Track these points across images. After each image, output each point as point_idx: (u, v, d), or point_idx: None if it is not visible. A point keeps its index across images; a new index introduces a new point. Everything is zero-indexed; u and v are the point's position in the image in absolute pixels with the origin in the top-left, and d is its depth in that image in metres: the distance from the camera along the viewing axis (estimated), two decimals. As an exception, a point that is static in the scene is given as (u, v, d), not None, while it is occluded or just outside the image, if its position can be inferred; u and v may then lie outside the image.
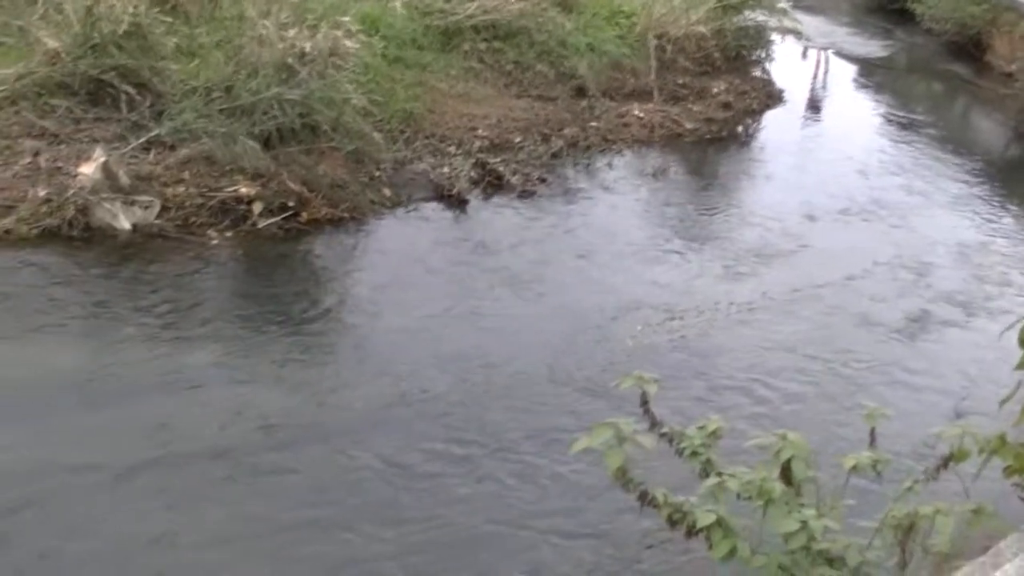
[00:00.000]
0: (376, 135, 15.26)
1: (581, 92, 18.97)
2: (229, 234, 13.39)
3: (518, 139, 17.11)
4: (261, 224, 13.57)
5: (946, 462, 4.83)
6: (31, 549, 8.22)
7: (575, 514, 9.24)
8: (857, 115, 22.75)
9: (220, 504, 8.97)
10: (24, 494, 8.70)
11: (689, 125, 19.40)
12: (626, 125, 18.68)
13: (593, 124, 18.33)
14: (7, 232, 12.58)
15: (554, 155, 17.09)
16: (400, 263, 13.59)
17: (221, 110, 14.01)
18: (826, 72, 25.37)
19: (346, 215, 14.15)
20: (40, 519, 8.50)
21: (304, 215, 13.87)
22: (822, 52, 26.07)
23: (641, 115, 19.03)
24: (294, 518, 8.89)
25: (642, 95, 19.68)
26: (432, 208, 15.02)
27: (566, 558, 8.75)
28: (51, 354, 10.79)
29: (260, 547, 8.55)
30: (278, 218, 13.68)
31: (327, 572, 8.41)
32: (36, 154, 13.51)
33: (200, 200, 13.50)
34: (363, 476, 9.50)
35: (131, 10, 14.03)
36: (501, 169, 15.93)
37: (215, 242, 13.20)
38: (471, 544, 8.78)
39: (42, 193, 12.93)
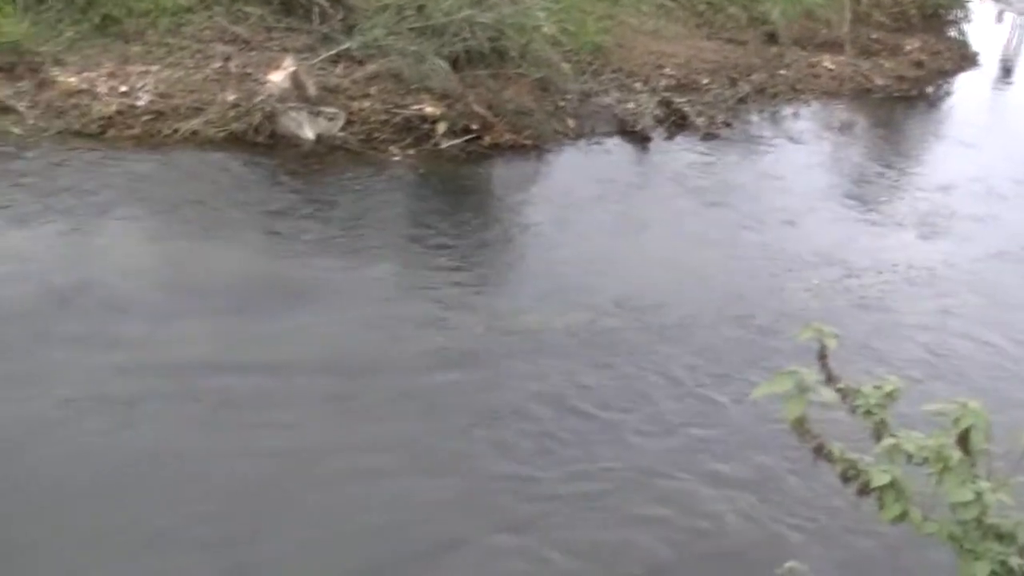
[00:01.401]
0: (564, 65, 15.02)
1: (772, 38, 18.46)
2: (411, 152, 13.31)
3: (705, 81, 16.70)
4: (443, 145, 13.44)
5: None
6: (229, 441, 8.19)
7: (732, 460, 8.81)
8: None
9: (394, 417, 8.82)
10: (216, 387, 8.68)
11: (879, 81, 18.72)
12: (815, 76, 18.10)
13: (782, 72, 17.80)
14: (194, 133, 12.70)
15: (740, 100, 16.63)
16: (579, 194, 13.32)
17: (412, 28, 13.91)
18: (1021, 38, 24.29)
19: (528, 142, 13.92)
20: (233, 414, 8.46)
21: (487, 139, 13.70)
22: (1019, 17, 24.94)
23: (831, 67, 18.42)
24: (462, 437, 8.69)
25: (833, 46, 19.05)
26: (614, 143, 14.72)
27: (723, 505, 8.32)
28: (233, 256, 10.84)
29: (428, 462, 8.36)
30: (460, 140, 13.54)
31: (483, 494, 8.16)
32: (227, 59, 13.58)
33: (384, 116, 13.43)
34: (526, 403, 9.21)
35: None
36: (686, 109, 15.54)
37: (396, 159, 13.12)
38: (624, 485, 8.37)
39: (231, 98, 12.98)
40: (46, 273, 9.90)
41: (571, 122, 14.56)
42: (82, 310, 9.41)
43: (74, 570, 6.82)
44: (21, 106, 12.76)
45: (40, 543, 6.89)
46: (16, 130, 12.51)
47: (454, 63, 13.78)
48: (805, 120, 16.95)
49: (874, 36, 19.73)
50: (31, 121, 12.61)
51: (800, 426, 4.37)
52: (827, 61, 18.51)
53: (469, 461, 8.32)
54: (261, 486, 7.72)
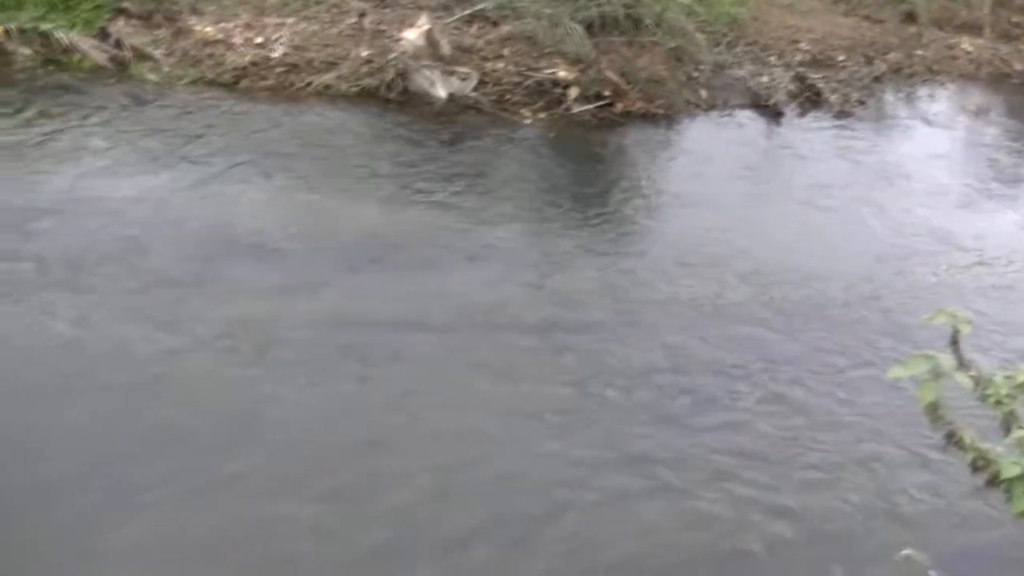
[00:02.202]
0: (699, 36, 14.80)
1: (910, 18, 17.97)
2: (542, 116, 13.20)
3: (840, 57, 16.33)
4: (575, 109, 13.32)
5: None
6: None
7: (865, 442, 8.55)
8: None
9: (524, 377, 8.72)
10: (342, 339, 8.67)
11: (1018, 66, 18.15)
12: (953, 58, 17.61)
13: (919, 52, 17.35)
14: (327, 87, 12.71)
15: (875, 78, 16.24)
16: (709, 166, 13.11)
17: (547, -8, 13.75)
18: None
19: (660, 111, 13.74)
20: (359, 367, 8.43)
21: (618, 106, 13.54)
22: None
23: (969, 49, 17.90)
24: (591, 398, 8.56)
25: (972, 29, 18.50)
26: (746, 116, 14.46)
27: (843, 487, 8.05)
28: (361, 211, 10.82)
29: (554, 422, 8.23)
30: (592, 106, 13.39)
31: (611, 458, 8.02)
32: (362, 15, 13.56)
33: (517, 78, 13.33)
34: (650, 371, 9.04)
35: None
36: (820, 86, 15.21)
37: (527, 121, 13.01)
38: (736, 458, 8.17)
39: (364, 53, 12.97)
40: (180, 219, 9.96)
41: (703, 93, 14.33)
42: (214, 257, 9.44)
43: (194, 506, 6.79)
44: (158, 54, 12.87)
45: (159, 483, 6.90)
46: (152, 77, 12.63)
47: (588, 28, 13.62)
48: (940, 102, 16.52)
49: (1015, 20, 19.11)
50: (167, 69, 12.72)
51: (933, 411, 4.31)
52: (965, 43, 17.99)
53: (605, 421, 8.19)
54: (383, 439, 7.69)
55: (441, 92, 12.80)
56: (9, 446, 7.04)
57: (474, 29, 13.57)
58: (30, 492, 6.65)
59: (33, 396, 7.54)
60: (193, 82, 12.67)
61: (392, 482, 7.27)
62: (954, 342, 4.49)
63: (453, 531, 6.94)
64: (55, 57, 12.71)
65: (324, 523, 6.85)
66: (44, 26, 12.60)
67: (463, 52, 13.22)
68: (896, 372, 4.32)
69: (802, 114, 14.91)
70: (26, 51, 12.68)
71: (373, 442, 7.65)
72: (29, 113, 11.65)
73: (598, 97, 13.48)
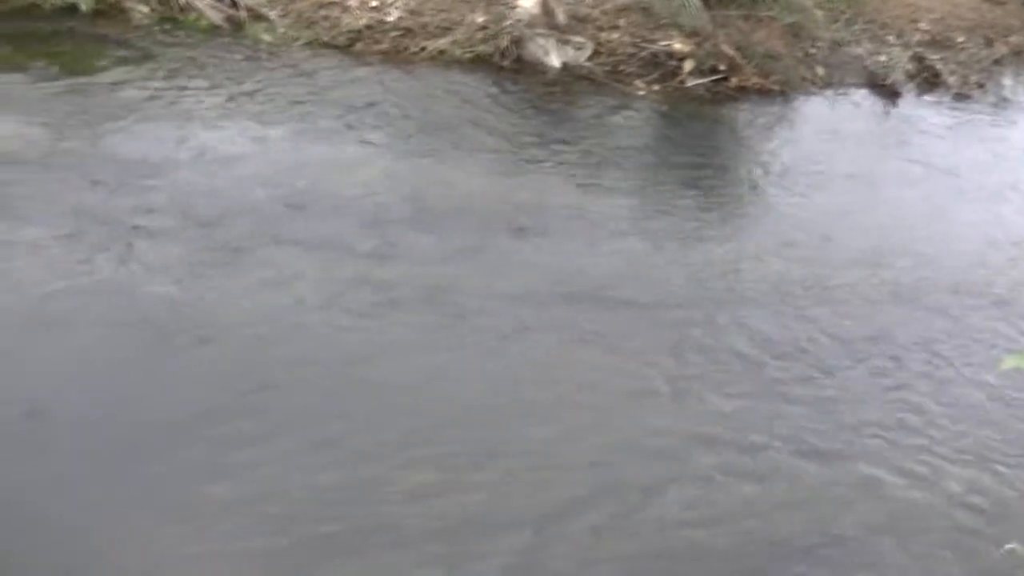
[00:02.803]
0: (817, 12, 14.53)
1: (1033, 0, 17.50)
2: (655, 88, 13.07)
3: (960, 39, 15.95)
4: (689, 83, 13.16)
5: None
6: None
7: (974, 434, 8.32)
8: None
9: (643, 349, 8.60)
10: (449, 306, 8.61)
11: None
12: (1076, 42, 17.12)
13: (1043, 35, 16.90)
14: (440, 52, 12.68)
15: (996, 61, 15.85)
16: (823, 145, 12.89)
17: (664, -38, 13.58)
18: None
19: (775, 88, 13.53)
20: (467, 335, 8.39)
21: (733, 81, 13.35)
22: None
23: (1093, 34, 17.40)
24: (705, 377, 8.41)
25: (1098, 13, 17.98)
26: (862, 95, 14.19)
27: (954, 478, 7.83)
28: (471, 178, 10.78)
29: (673, 395, 8.12)
30: (707, 80, 13.22)
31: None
32: (477, -19, 13.47)
33: (631, 49, 13.21)
34: (762, 351, 8.85)
35: None
36: (939, 67, 14.88)
37: (641, 93, 12.89)
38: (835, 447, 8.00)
39: (479, 19, 12.90)
40: (289, 178, 9.97)
41: (820, 70, 14.09)
42: (321, 217, 9.43)
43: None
44: (273, 15, 12.92)
45: (266, 438, 6.92)
46: (267, 38, 12.68)
47: (705, 1, 13.41)
48: (1063, 88, 16.08)
49: None
50: (282, 30, 12.75)
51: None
52: (1090, 27, 17.49)
53: (721, 395, 8.08)
54: (501, 407, 7.64)
55: (555, 61, 12.70)
56: (128, 396, 7.07)
57: (589, -1, 13.42)
58: (135, 442, 6.70)
59: (168, 346, 7.60)
60: (308, 44, 12.69)
61: (492, 451, 7.20)
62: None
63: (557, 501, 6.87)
64: (172, 15, 12.80)
65: (427, 489, 6.80)
66: (162, -16, 12.69)
67: (578, 21, 13.11)
68: (1009, 363, 4.20)
69: (919, 95, 14.61)
70: (143, 9, 12.78)
71: (490, 409, 7.59)
72: (146, 70, 11.75)
73: (713, 71, 13.30)
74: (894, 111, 14.11)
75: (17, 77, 11.29)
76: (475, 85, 12.30)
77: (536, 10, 12.77)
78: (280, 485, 6.61)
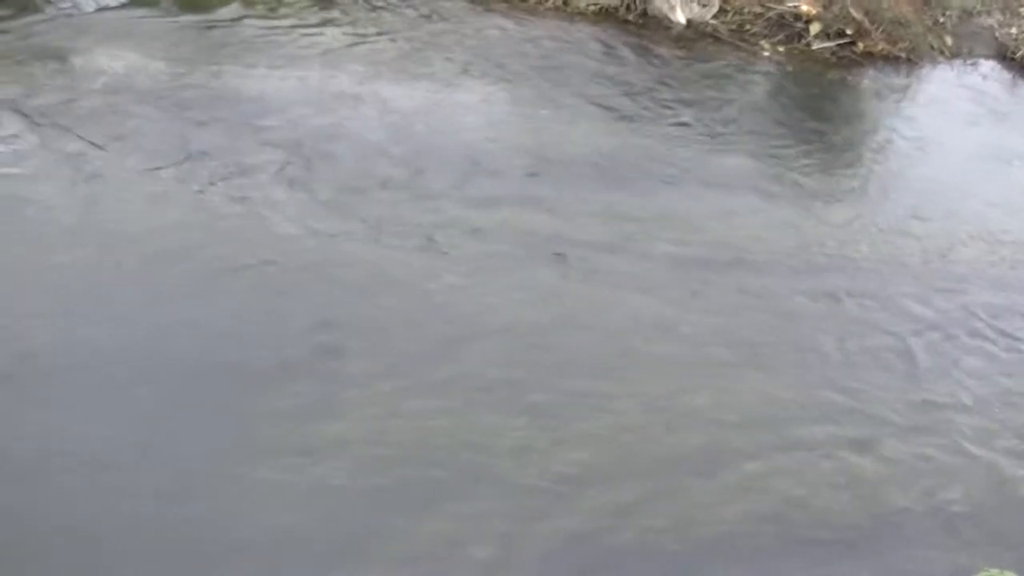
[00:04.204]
0: (950, -21, 14.22)
1: None
2: (780, 49, 12.95)
3: (1096, 13, 15.51)
4: (815, 46, 13.01)
5: None
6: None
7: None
8: None
9: (748, 309, 8.61)
10: (579, 262, 8.68)
11: None
12: None
13: None
14: (565, 3, 12.63)
15: None
16: (948, 116, 12.72)
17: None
18: None
19: (902, 55, 13.32)
20: (585, 287, 8.47)
21: (860, 45, 13.18)
22: None
23: None
24: (817, 347, 8.39)
25: None
26: (990, 67, 13.93)
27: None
28: (591, 130, 10.75)
29: (786, 362, 8.11)
30: (833, 43, 13.05)
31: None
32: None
33: (758, 10, 13.10)
34: (878, 322, 8.80)
35: None
36: (1072, 41, 14.47)
37: (765, 54, 12.75)
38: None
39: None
40: (407, 124, 9.99)
41: (948, 39, 13.83)
42: (439, 164, 9.47)
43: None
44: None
45: (370, 381, 7.01)
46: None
47: (835, -37, 13.19)
48: None
49: None
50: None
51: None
52: None
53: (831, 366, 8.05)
54: (601, 362, 7.67)
55: (680, 17, 12.61)
56: (238, 334, 7.21)
57: (721, -45, 13.29)
58: (249, 381, 6.83)
59: (280, 285, 7.71)
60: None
61: (600, 405, 7.25)
62: None
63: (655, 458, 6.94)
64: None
65: (524, 441, 6.86)
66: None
67: (706, -22, 12.97)
68: None
69: (1051, 70, 14.29)
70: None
71: (591, 363, 7.62)
72: (264, 7, 11.77)
73: (840, 35, 13.14)
74: (1021, 85, 13.82)
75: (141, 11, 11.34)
76: (598, 38, 12.28)
77: (664, -36, 12.66)
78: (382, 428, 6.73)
